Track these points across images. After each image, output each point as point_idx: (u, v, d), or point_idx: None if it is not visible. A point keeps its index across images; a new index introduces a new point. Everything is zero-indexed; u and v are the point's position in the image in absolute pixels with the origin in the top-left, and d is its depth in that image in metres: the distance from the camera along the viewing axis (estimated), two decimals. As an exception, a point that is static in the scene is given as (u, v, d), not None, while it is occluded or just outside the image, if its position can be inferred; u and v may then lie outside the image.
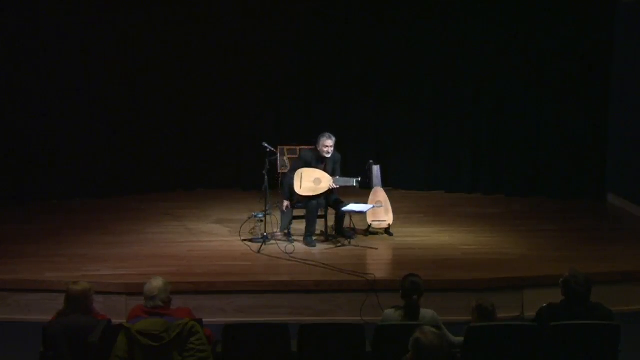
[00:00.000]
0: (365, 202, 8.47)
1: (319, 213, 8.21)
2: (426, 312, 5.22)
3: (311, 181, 8.07)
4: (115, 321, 5.21)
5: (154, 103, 10.68)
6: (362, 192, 8.94)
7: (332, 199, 8.22)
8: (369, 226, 8.55)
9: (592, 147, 10.50)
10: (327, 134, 8.11)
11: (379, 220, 8.56)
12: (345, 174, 8.27)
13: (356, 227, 8.50)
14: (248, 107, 10.97)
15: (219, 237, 8.54)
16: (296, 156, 8.70)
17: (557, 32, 10.37)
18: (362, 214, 8.41)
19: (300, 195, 8.06)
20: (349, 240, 8.10)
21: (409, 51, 10.77)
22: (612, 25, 10.21)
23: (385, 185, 8.94)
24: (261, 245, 7.93)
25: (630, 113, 9.90)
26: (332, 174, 8.14)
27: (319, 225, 8.27)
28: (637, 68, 9.70)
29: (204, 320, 5.05)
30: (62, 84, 10.17)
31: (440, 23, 10.67)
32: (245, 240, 8.20)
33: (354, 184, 8.06)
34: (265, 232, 8.07)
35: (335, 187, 8.09)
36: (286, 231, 8.29)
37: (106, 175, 10.56)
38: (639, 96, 9.69)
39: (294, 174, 8.06)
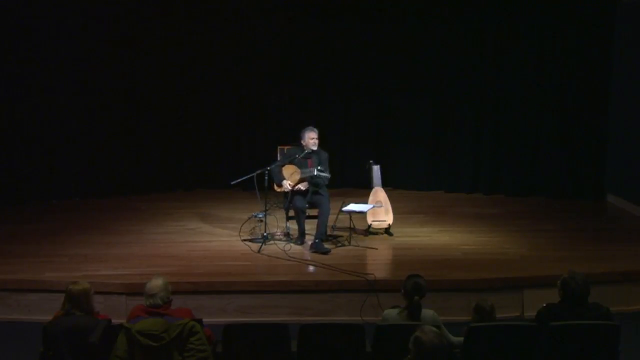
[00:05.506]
0: (365, 202, 8.47)
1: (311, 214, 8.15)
2: (426, 312, 5.23)
3: (288, 178, 8.04)
4: (115, 321, 5.21)
5: (154, 103, 10.68)
6: (362, 192, 8.95)
7: (312, 198, 8.08)
8: (369, 226, 8.54)
9: (592, 147, 10.50)
10: (310, 127, 8.15)
11: (379, 220, 8.56)
12: (345, 173, 8.24)
13: (356, 227, 8.49)
14: (248, 108, 10.98)
15: (219, 237, 8.54)
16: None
17: (557, 32, 10.38)
18: (362, 214, 8.41)
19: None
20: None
21: (409, 51, 10.76)
22: (612, 26, 10.21)
23: (385, 185, 8.92)
24: (261, 245, 7.92)
25: (630, 113, 9.90)
26: None
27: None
28: (637, 68, 9.70)
29: (204, 320, 5.05)
30: (62, 83, 10.16)
31: (440, 23, 10.66)
32: (245, 240, 8.21)
33: (315, 173, 7.88)
34: (265, 232, 8.07)
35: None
36: (286, 230, 8.31)
37: (106, 175, 10.56)
38: (639, 96, 9.69)
39: (277, 168, 8.05)
